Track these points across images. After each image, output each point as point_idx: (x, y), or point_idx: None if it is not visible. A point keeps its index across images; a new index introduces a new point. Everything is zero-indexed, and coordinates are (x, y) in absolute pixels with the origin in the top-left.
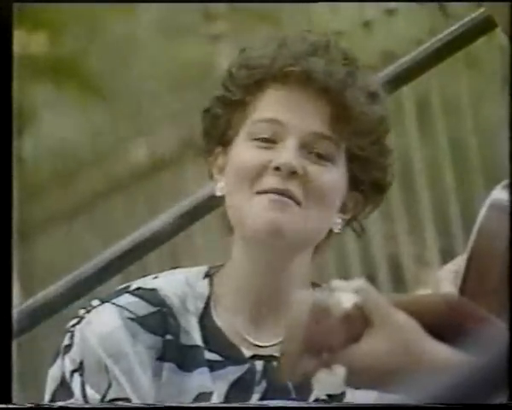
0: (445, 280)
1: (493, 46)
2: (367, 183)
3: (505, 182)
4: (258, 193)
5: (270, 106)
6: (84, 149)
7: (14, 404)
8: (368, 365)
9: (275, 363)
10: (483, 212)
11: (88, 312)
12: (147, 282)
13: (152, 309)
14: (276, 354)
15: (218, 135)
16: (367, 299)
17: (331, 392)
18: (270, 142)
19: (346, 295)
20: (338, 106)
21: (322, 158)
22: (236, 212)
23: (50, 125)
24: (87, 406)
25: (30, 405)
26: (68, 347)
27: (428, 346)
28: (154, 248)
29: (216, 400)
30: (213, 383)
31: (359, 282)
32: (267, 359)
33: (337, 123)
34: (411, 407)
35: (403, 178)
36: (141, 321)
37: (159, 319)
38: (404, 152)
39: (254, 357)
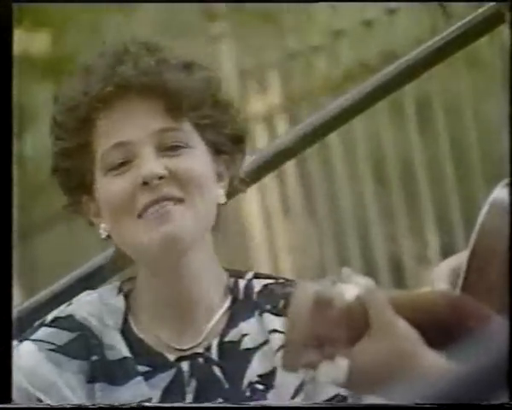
0: (438, 278)
1: (494, 45)
2: (225, 142)
3: (506, 181)
4: (140, 217)
5: (107, 134)
6: None
7: (14, 404)
8: (364, 368)
9: (200, 360)
10: (484, 211)
11: None
12: (61, 310)
13: (72, 335)
14: (200, 351)
15: (77, 185)
16: (370, 297)
17: (334, 383)
18: (126, 164)
19: (348, 287)
20: (164, 95)
21: (178, 148)
22: (125, 241)
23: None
24: (86, 406)
25: (30, 405)
26: None
27: (427, 358)
28: None
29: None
30: (149, 390)
31: (368, 281)
32: (192, 358)
33: (171, 110)
34: (411, 408)
35: (404, 177)
36: (63, 350)
37: (80, 344)
38: (404, 151)
39: (179, 359)
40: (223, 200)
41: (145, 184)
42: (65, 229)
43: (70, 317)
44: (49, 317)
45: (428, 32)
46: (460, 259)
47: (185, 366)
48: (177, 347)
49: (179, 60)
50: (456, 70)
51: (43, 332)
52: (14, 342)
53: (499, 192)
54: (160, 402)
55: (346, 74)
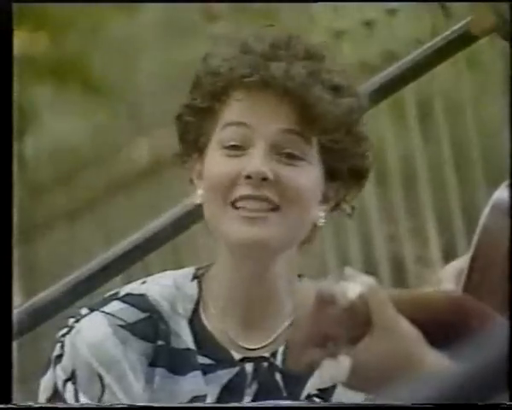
0: (446, 279)
1: (495, 46)
2: (345, 172)
3: (508, 182)
4: (233, 205)
5: (236, 110)
6: (86, 149)
7: (14, 404)
8: (366, 366)
9: (264, 364)
10: (486, 212)
11: (77, 321)
12: (135, 288)
13: (142, 315)
14: (266, 355)
15: (191, 142)
16: (372, 296)
17: (336, 382)
18: (239, 149)
19: (351, 285)
20: (301, 106)
21: (293, 158)
22: (213, 223)
23: (52, 126)
24: (86, 406)
25: (30, 405)
26: (59, 357)
27: (429, 357)
28: (156, 248)
29: (209, 402)
30: (206, 386)
31: (370, 280)
32: (257, 361)
33: (303, 121)
34: (411, 407)
35: (405, 178)
36: (131, 328)
37: (149, 325)
38: (406, 152)
39: (244, 360)
40: (321, 222)
41: (248, 178)
42: (66, 229)
43: (143, 296)
44: (123, 291)
45: (429, 33)
46: (466, 260)
47: (249, 367)
48: (243, 345)
49: (331, 78)
50: (457, 71)
51: (114, 306)
52: (84, 310)
53: (501, 193)
54: (217, 399)
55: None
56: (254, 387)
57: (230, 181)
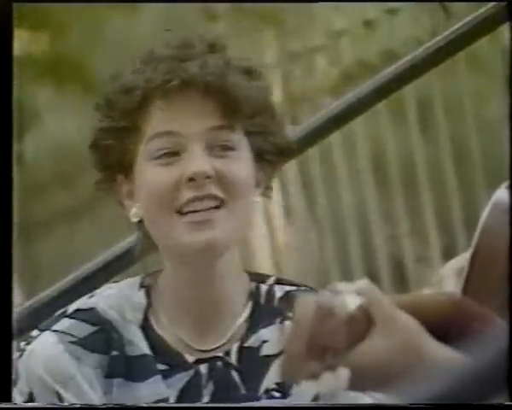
0: (447, 278)
1: (495, 46)
2: (270, 151)
3: (508, 182)
4: (179, 212)
5: (160, 121)
6: (86, 150)
7: (14, 404)
8: (369, 365)
9: (219, 363)
10: (486, 212)
11: (28, 343)
12: (83, 303)
13: (92, 329)
14: (220, 354)
15: (114, 164)
16: (371, 300)
17: (335, 394)
18: (172, 156)
19: (350, 297)
20: (223, 97)
21: (227, 150)
22: (161, 235)
23: (52, 126)
24: (87, 406)
25: (30, 405)
26: (14, 382)
27: (431, 347)
28: (157, 248)
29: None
30: (167, 389)
31: (363, 283)
32: (211, 361)
33: (227, 112)
34: (411, 408)
35: (405, 177)
36: (82, 343)
37: (101, 338)
38: (405, 152)
39: (198, 361)
40: (256, 207)
41: (191, 180)
42: (65, 229)
43: (92, 309)
44: (71, 308)
45: (429, 33)
46: (466, 258)
47: (204, 368)
48: (198, 347)
49: (240, 64)
50: (457, 71)
51: (64, 323)
52: (34, 332)
53: (501, 193)
54: (175, 403)
55: (347, 74)
56: (211, 387)
57: (171, 189)
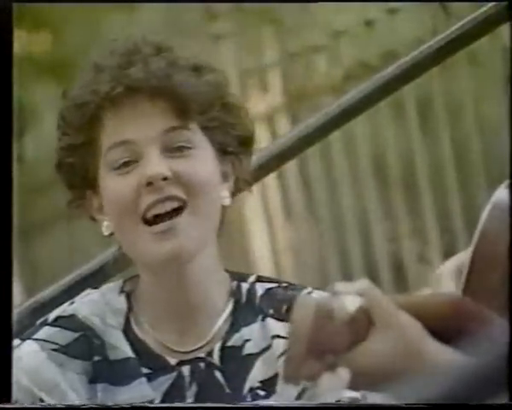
0: (445, 276)
1: (495, 45)
2: (233, 143)
3: (508, 182)
4: (144, 220)
5: (113, 131)
6: None
7: (14, 404)
8: (370, 366)
9: (201, 364)
10: (486, 212)
11: None
12: (64, 310)
13: (74, 335)
14: (202, 355)
15: (80, 181)
16: (371, 300)
17: (335, 395)
18: (130, 164)
19: (350, 298)
20: (172, 98)
21: (184, 149)
22: (129, 246)
23: (52, 125)
24: (85, 406)
25: (30, 405)
26: None
27: (431, 347)
28: None
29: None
30: (153, 392)
31: (362, 283)
32: (193, 362)
33: (179, 112)
34: (411, 408)
35: (405, 178)
36: (65, 350)
37: (83, 344)
38: (406, 151)
39: (180, 363)
40: (227, 202)
41: (149, 184)
42: (65, 229)
43: (72, 316)
44: (52, 316)
45: (429, 32)
46: (465, 257)
47: (186, 370)
48: (179, 349)
49: (188, 62)
50: (458, 70)
51: (45, 332)
52: (16, 341)
53: (501, 193)
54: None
55: (347, 74)
56: (194, 388)
57: (133, 197)
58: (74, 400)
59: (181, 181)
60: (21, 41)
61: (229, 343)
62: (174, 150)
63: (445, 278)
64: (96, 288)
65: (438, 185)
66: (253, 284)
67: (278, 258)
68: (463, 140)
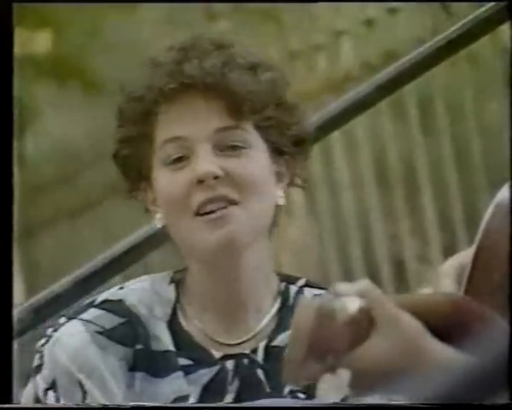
0: (446, 276)
1: (495, 45)
2: (287, 144)
3: (510, 182)
4: (196, 214)
5: (167, 127)
6: (87, 148)
7: (14, 404)
8: (371, 366)
9: (245, 360)
10: (489, 211)
11: (55, 330)
12: (112, 293)
13: (120, 320)
14: (247, 352)
15: (136, 173)
16: (372, 301)
17: (336, 396)
18: (183, 160)
19: (351, 299)
20: (226, 96)
21: (237, 149)
22: (182, 238)
23: (53, 125)
24: (86, 406)
25: (30, 405)
26: (39, 367)
27: (432, 346)
28: (157, 247)
29: (191, 402)
30: (188, 387)
31: (363, 283)
32: (237, 357)
33: (233, 111)
34: (411, 407)
35: (406, 177)
36: (109, 334)
37: (127, 330)
38: (406, 151)
39: (224, 357)
40: (281, 201)
41: (200, 182)
42: (66, 228)
43: (120, 301)
44: (100, 298)
45: (430, 32)
46: (465, 256)
47: (230, 364)
48: (223, 341)
49: (246, 60)
50: (458, 70)
51: (91, 313)
52: (61, 319)
53: (504, 194)
54: (199, 399)
55: (348, 74)
56: (236, 384)
57: (184, 193)
58: (112, 386)
59: (233, 180)
60: (22, 41)
61: (274, 343)
62: (227, 149)
63: (446, 278)
64: (94, 289)
65: (438, 185)
66: (301, 287)
67: (278, 258)
68: (464, 140)
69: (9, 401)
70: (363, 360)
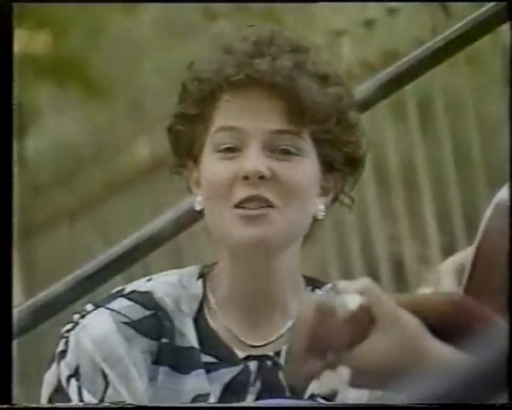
0: (445, 275)
1: (495, 45)
2: (340, 161)
3: (509, 182)
4: (235, 207)
5: (226, 115)
6: (87, 149)
7: (14, 404)
8: (371, 363)
9: (268, 362)
10: (489, 211)
11: (82, 317)
12: (141, 285)
13: (146, 313)
14: (270, 354)
15: (185, 150)
16: (372, 299)
17: (335, 392)
18: (233, 151)
19: (351, 296)
20: (290, 100)
21: (288, 154)
22: (216, 227)
23: (53, 125)
24: (87, 406)
25: (30, 405)
26: (63, 352)
27: (431, 345)
28: (157, 247)
29: (212, 401)
30: (209, 385)
31: (364, 281)
32: (261, 359)
33: (294, 116)
34: (411, 407)
35: (405, 177)
36: (135, 325)
37: (154, 323)
38: (406, 151)
39: (248, 358)
40: (321, 216)
41: (245, 178)
42: (67, 228)
43: (148, 293)
44: (128, 288)
45: (429, 32)
46: (465, 255)
47: (253, 365)
48: (248, 342)
49: (317, 68)
50: (458, 70)
51: (119, 303)
52: (89, 306)
53: (504, 194)
54: (219, 398)
55: (348, 74)
56: (258, 386)
57: (228, 184)
58: (135, 378)
59: (278, 184)
60: (22, 41)
61: None
62: (278, 151)
63: (445, 277)
64: (94, 289)
65: (438, 185)
66: (327, 292)
67: None
68: (464, 140)
69: (9, 401)
70: (363, 358)
